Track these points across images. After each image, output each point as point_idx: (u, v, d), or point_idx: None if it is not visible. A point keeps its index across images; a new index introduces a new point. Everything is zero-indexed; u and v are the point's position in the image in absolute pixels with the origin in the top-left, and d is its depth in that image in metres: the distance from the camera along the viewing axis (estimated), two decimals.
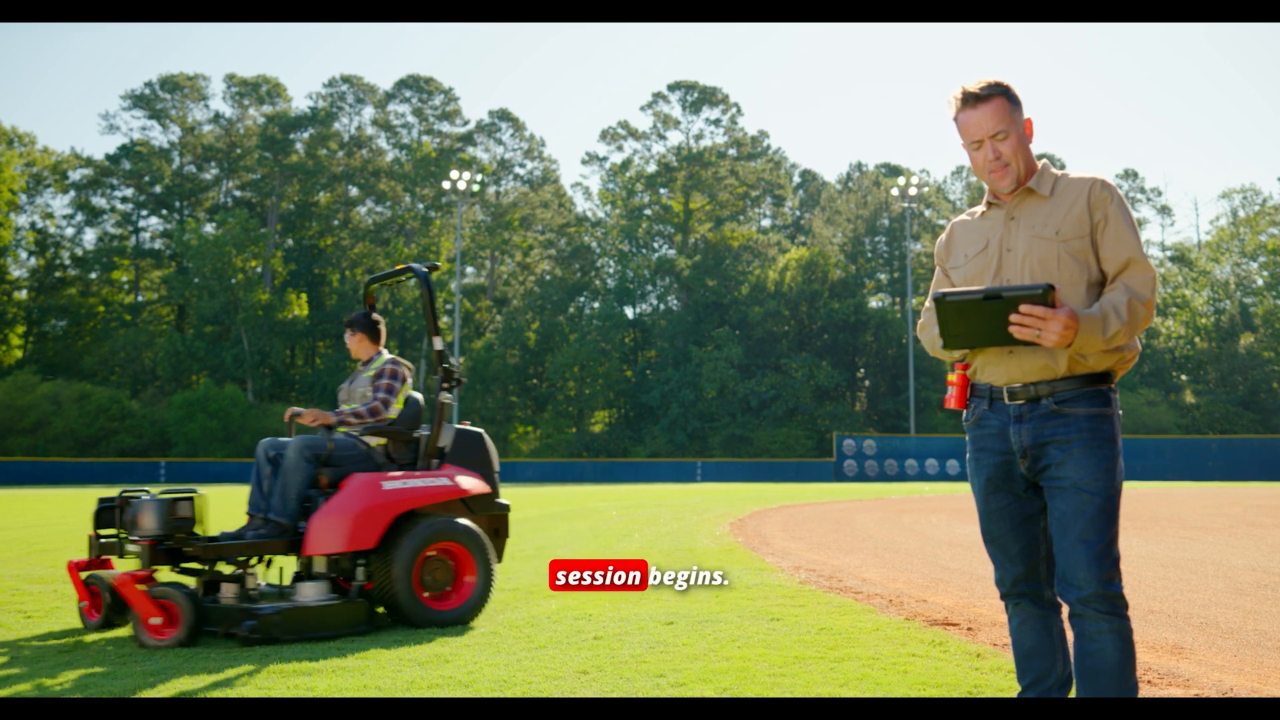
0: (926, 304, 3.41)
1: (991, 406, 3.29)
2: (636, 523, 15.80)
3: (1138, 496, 27.17)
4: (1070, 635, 3.31)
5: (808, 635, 5.74)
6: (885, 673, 4.78)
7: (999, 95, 3.22)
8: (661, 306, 73.39)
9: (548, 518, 17.40)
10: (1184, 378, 71.09)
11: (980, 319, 3.09)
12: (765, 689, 4.48)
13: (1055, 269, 3.17)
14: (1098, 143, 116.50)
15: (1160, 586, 8.03)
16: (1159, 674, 4.83)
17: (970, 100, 3.24)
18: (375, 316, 7.06)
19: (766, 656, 5.15)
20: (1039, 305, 3.01)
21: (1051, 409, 3.16)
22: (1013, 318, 3.03)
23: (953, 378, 3.41)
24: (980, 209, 3.45)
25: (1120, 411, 3.25)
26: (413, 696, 4.40)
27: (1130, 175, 78.70)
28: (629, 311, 72.33)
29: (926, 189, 71.95)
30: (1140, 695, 3.59)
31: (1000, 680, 4.62)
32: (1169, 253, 78.15)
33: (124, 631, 6.09)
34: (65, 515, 19.66)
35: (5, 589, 8.01)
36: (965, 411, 3.40)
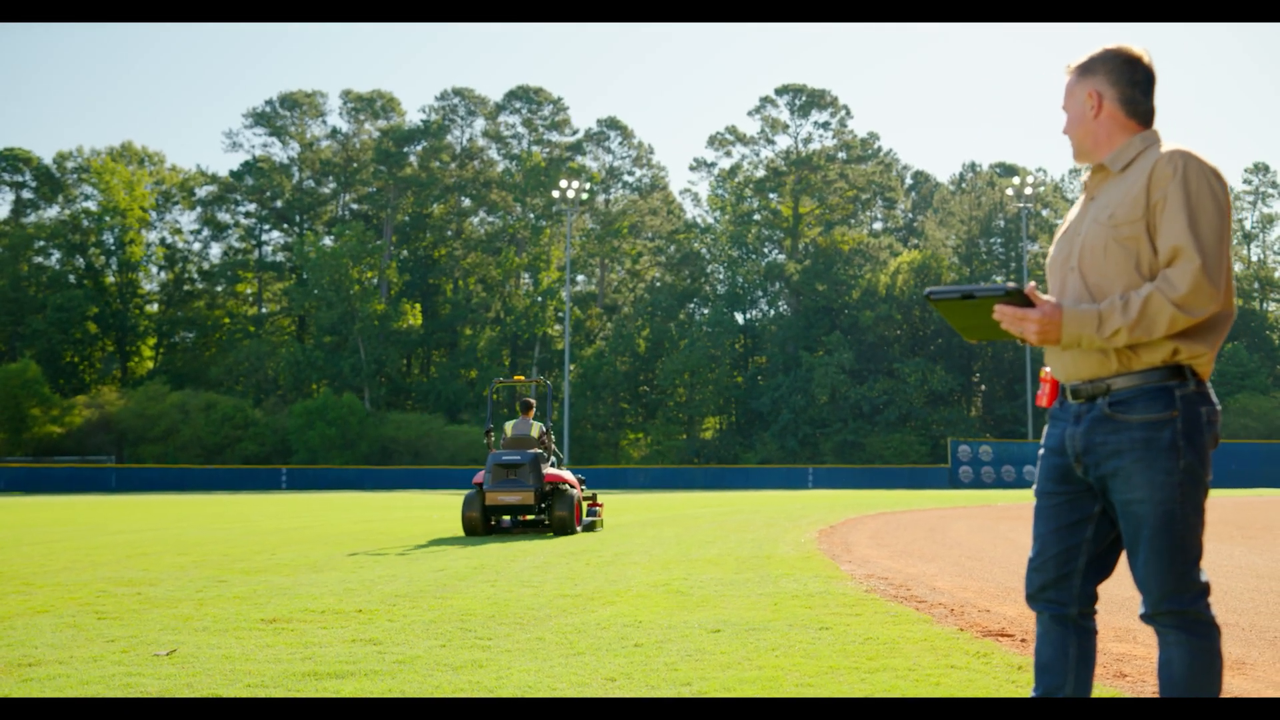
0: None
1: (1062, 405, 3.13)
2: (726, 529, 15.73)
3: (1268, 505, 26.12)
4: (1094, 659, 3.18)
5: (852, 645, 5.64)
6: (917, 685, 4.67)
7: (1075, 71, 3.11)
8: (771, 312, 73.04)
9: (639, 524, 17.43)
10: None
11: (974, 315, 2.96)
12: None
13: (1101, 258, 2.95)
14: (1227, 134, 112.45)
15: (1246, 598, 7.69)
16: None
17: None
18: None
19: (801, 666, 5.07)
20: (1010, 305, 2.88)
21: (1104, 412, 2.95)
22: (994, 317, 2.92)
23: (1045, 373, 3.25)
24: None
25: (1208, 409, 2.93)
26: (420, 697, 4.44)
27: (1260, 169, 75.68)
28: (739, 317, 72.17)
29: (1043, 188, 70.28)
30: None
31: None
32: None
33: (162, 631, 6.26)
34: (180, 519, 20.37)
35: (91, 590, 8.33)
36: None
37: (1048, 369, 3.22)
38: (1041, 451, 3.24)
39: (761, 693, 4.53)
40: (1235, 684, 4.76)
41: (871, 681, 4.71)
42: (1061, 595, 3.14)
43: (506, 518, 14.90)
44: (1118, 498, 2.95)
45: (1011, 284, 2.90)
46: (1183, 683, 2.94)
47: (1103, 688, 4.61)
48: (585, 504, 15.56)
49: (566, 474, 14.93)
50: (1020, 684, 4.69)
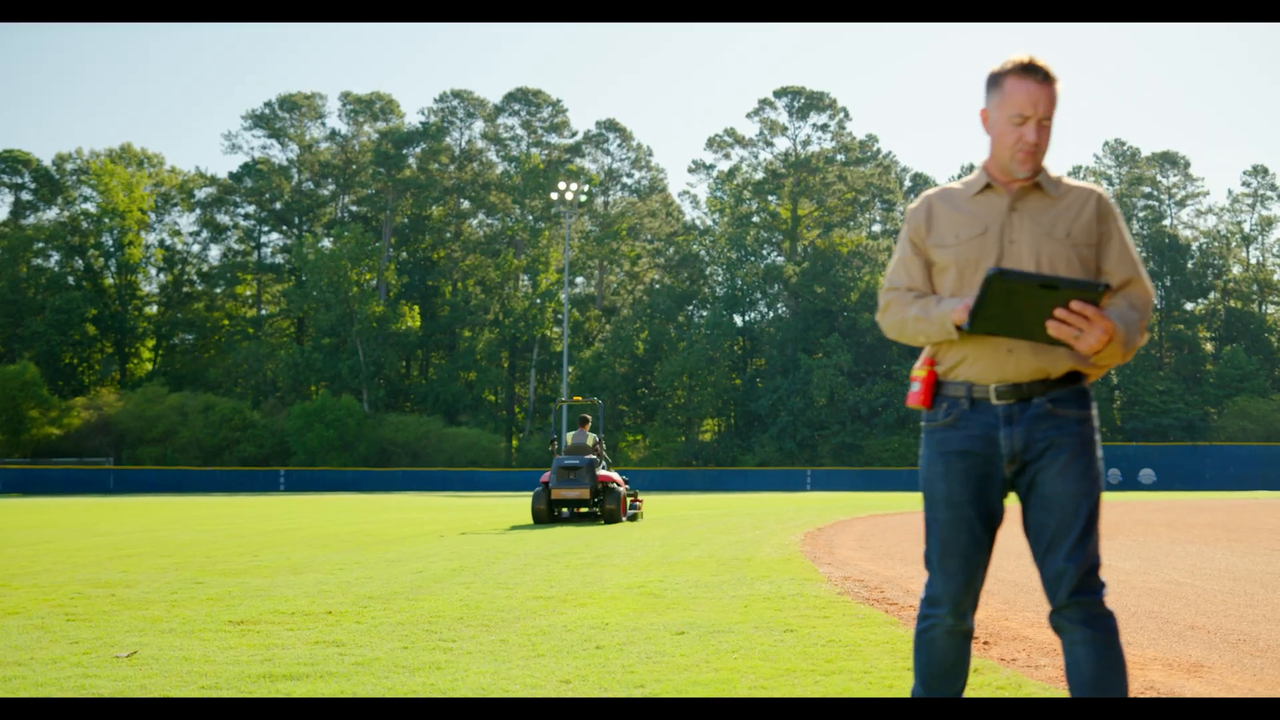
0: (888, 284, 3.21)
1: (974, 406, 3.06)
2: (713, 531, 15.73)
3: (1261, 508, 26.09)
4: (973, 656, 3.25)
5: (813, 648, 5.63)
6: (870, 687, 4.66)
7: (1057, 81, 3.05)
8: (770, 314, 73.01)
9: (630, 526, 17.43)
10: None
11: (1024, 306, 2.85)
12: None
13: (1064, 272, 3.01)
14: (1226, 138, 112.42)
15: (1218, 600, 7.68)
16: (1159, 694, 4.61)
17: (1034, 72, 3.03)
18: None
19: (758, 669, 5.06)
20: (1091, 304, 2.84)
21: (1046, 409, 3.00)
22: (1059, 313, 2.84)
23: (921, 373, 3.14)
24: (963, 188, 3.23)
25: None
26: (364, 697, 4.44)
27: (1260, 171, 75.62)
28: (737, 319, 72.14)
29: None
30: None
31: (990, 696, 4.47)
32: None
33: (128, 632, 6.27)
34: (172, 521, 20.36)
35: (67, 592, 8.33)
36: (931, 411, 3.15)
37: (922, 367, 3.16)
38: (943, 456, 3.12)
39: (713, 695, 4.53)
40: (1189, 686, 4.76)
41: (826, 684, 4.71)
42: (965, 606, 3.22)
43: (565, 510, 18.30)
44: (1048, 489, 3.02)
45: (1105, 282, 2.96)
46: (1094, 682, 3.00)
47: (1045, 688, 4.61)
48: (629, 499, 18.89)
49: (615, 475, 18.55)
50: (974, 686, 4.68)
